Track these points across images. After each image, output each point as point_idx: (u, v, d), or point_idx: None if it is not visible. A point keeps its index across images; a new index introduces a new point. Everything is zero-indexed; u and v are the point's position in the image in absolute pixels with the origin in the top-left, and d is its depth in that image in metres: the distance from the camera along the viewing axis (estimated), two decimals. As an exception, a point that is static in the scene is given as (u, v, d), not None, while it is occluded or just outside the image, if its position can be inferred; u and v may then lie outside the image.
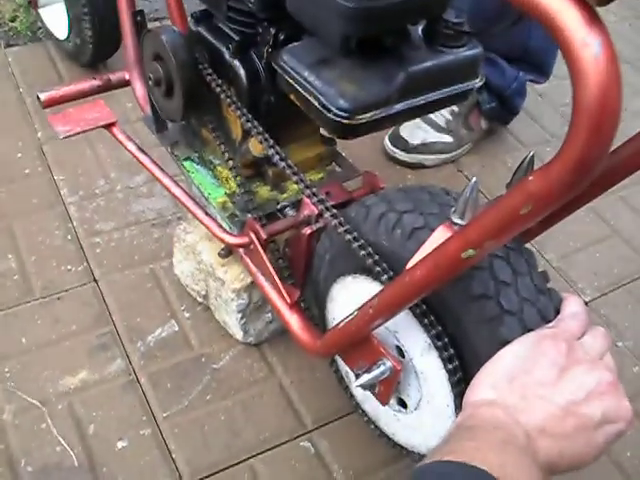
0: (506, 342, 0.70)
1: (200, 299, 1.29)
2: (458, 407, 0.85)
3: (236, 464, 1.11)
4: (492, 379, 0.66)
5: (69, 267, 1.36)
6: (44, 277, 1.34)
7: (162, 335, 1.27)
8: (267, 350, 1.26)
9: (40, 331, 1.25)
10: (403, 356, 0.92)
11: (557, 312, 0.77)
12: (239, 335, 1.23)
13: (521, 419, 0.61)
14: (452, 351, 0.83)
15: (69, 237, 1.42)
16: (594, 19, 0.46)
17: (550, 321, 0.76)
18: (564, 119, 1.93)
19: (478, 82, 0.96)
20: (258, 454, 1.12)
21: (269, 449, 1.13)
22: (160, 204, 1.49)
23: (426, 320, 0.84)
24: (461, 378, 0.84)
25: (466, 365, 0.84)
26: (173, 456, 1.11)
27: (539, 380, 0.64)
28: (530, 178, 0.56)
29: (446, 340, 0.83)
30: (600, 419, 0.63)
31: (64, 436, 1.11)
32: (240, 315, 1.19)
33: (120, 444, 1.11)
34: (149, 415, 1.15)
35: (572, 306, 0.76)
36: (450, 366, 0.84)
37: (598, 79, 0.47)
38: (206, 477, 1.09)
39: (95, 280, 1.34)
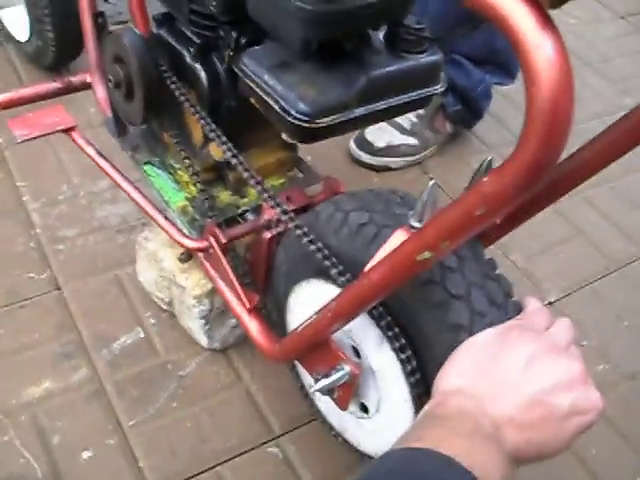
0: (456, 326, 0.70)
1: (165, 306, 1.28)
2: (416, 401, 0.85)
3: (203, 471, 1.10)
4: (460, 368, 0.66)
5: (32, 275, 1.34)
6: (6, 285, 1.31)
7: (127, 342, 1.25)
8: (234, 356, 1.25)
9: (2, 340, 1.23)
10: (359, 356, 0.92)
11: (508, 298, 0.78)
12: (204, 341, 1.22)
13: (488, 408, 0.61)
14: (404, 341, 0.83)
15: (32, 244, 1.39)
16: (547, 22, 0.46)
17: (501, 306, 0.76)
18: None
19: (439, 88, 0.96)
20: (225, 461, 1.11)
21: (236, 455, 1.12)
22: (124, 209, 1.47)
23: (375, 312, 0.84)
24: (415, 368, 0.84)
25: (419, 354, 0.83)
26: (140, 465, 1.09)
27: (507, 369, 0.64)
28: (484, 180, 0.56)
29: (397, 330, 0.83)
30: (569, 409, 0.63)
31: (28, 447, 1.09)
32: (203, 321, 1.18)
33: (85, 454, 1.09)
34: (115, 424, 1.14)
35: (533, 303, 0.76)
36: (403, 356, 0.83)
37: (550, 82, 0.47)
38: (173, 485, 1.08)
39: (58, 287, 1.33)
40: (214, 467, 1.11)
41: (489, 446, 0.58)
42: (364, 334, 0.88)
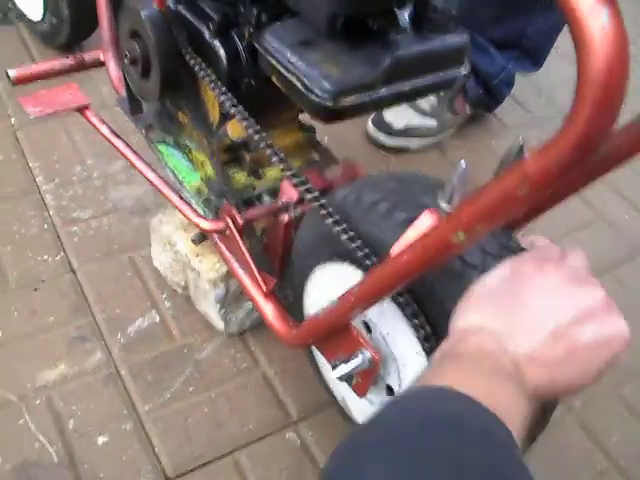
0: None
1: (180, 290, 1.26)
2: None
3: (220, 457, 1.09)
4: (477, 304, 0.63)
5: (45, 257, 1.32)
6: (20, 268, 1.30)
7: (143, 326, 1.23)
8: (250, 340, 1.24)
9: (16, 324, 1.21)
10: (370, 331, 0.90)
11: None
12: (220, 325, 1.20)
13: (509, 347, 0.58)
14: (416, 307, 0.82)
15: (45, 226, 1.38)
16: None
17: None
18: (548, 101, 1.92)
19: (464, 70, 0.94)
20: (242, 447, 1.10)
21: (254, 441, 1.11)
22: (139, 191, 1.45)
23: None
24: (429, 334, 0.82)
25: (433, 322, 0.82)
26: (156, 450, 1.08)
27: (527, 303, 0.61)
28: (528, 158, 0.53)
29: (408, 297, 0.82)
30: (594, 340, 0.59)
31: (43, 432, 1.07)
32: (219, 306, 1.16)
33: (101, 439, 1.08)
34: (130, 409, 1.12)
35: (542, 239, 0.73)
36: (416, 321, 0.82)
37: (605, 50, 0.44)
38: (190, 471, 1.07)
39: (73, 270, 1.31)
40: (231, 453, 1.09)
41: (510, 386, 0.56)
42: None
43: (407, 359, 0.87)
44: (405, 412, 0.52)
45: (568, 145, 0.49)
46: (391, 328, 0.86)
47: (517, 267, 0.64)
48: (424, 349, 0.83)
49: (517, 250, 0.78)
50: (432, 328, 0.81)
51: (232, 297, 1.17)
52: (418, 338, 0.82)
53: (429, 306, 0.81)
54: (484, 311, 0.62)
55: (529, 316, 0.60)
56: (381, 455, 0.46)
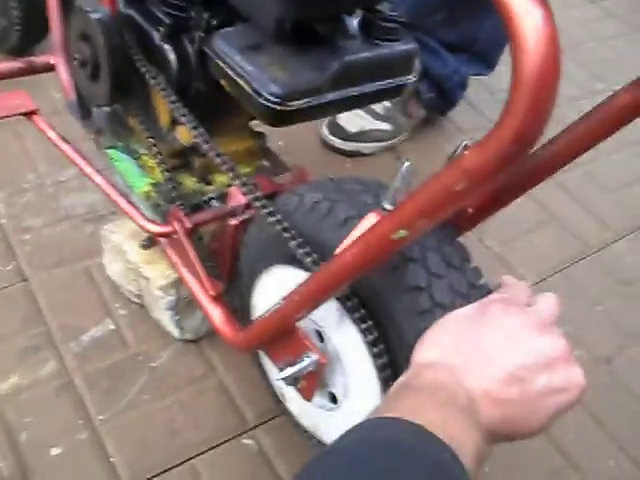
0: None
1: (135, 299, 1.25)
2: (384, 384, 0.83)
3: (177, 465, 1.07)
4: (438, 340, 0.64)
5: (-3, 266, 1.30)
6: (-30, 277, 1.27)
7: (97, 334, 1.22)
8: (206, 346, 1.23)
9: (-34, 334, 1.19)
10: (322, 339, 0.90)
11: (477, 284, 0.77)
12: (175, 332, 1.19)
13: (464, 380, 0.59)
14: (370, 322, 0.81)
15: (-4, 235, 1.35)
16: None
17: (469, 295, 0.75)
18: (501, 105, 1.94)
19: (412, 78, 0.95)
20: (199, 454, 1.09)
21: (211, 448, 1.10)
22: (92, 198, 1.43)
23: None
24: (382, 350, 0.82)
25: (386, 336, 0.82)
26: (111, 460, 1.06)
27: (487, 343, 0.62)
28: (465, 153, 0.54)
29: (362, 311, 0.82)
30: (548, 387, 0.61)
31: (-7, 445, 1.06)
32: (171, 312, 1.16)
33: (54, 451, 1.06)
34: (85, 418, 1.10)
35: (512, 280, 0.74)
36: (369, 337, 0.82)
37: (539, 49, 0.46)
38: (146, 480, 1.06)
39: (25, 279, 1.29)
40: (188, 460, 1.08)
41: (463, 418, 0.56)
42: (327, 315, 0.85)
43: (358, 377, 0.87)
44: (358, 443, 0.52)
45: (504, 141, 0.50)
46: (347, 346, 0.86)
47: (482, 307, 0.66)
48: (378, 376, 0.83)
49: (485, 290, 0.78)
50: (390, 359, 0.82)
51: (185, 303, 1.16)
52: (375, 365, 0.83)
53: (391, 337, 0.81)
54: (444, 346, 0.63)
55: (487, 354, 0.61)
56: None
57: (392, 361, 0.82)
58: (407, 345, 0.67)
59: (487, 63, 1.71)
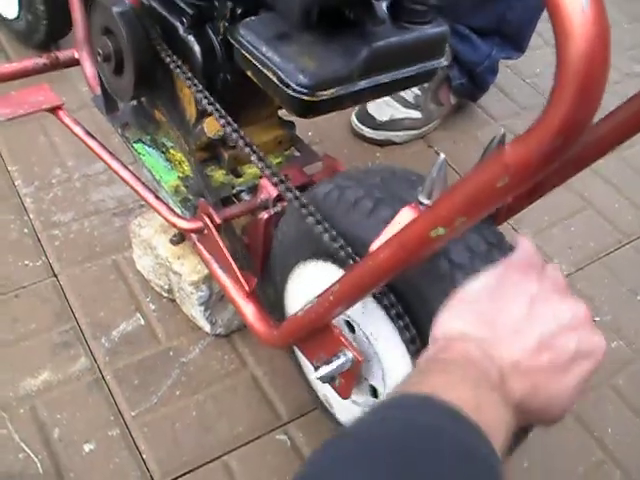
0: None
1: (165, 293, 1.24)
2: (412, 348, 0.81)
3: (210, 462, 1.06)
4: (461, 311, 0.62)
5: (27, 262, 1.30)
6: (0, 273, 1.27)
7: (127, 329, 1.21)
8: (238, 341, 1.21)
9: (-3, 331, 1.19)
10: (353, 330, 0.88)
11: None
12: (207, 327, 1.18)
13: (494, 354, 0.57)
14: (400, 308, 0.80)
15: (25, 230, 1.35)
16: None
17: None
18: (534, 91, 1.90)
19: (444, 61, 0.92)
20: (232, 450, 1.08)
21: (243, 444, 1.09)
22: (121, 192, 1.43)
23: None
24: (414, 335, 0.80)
25: (417, 320, 0.80)
26: (143, 457, 1.06)
27: (511, 311, 0.60)
28: (507, 148, 0.51)
29: (392, 297, 0.80)
30: (576, 351, 0.59)
31: (27, 442, 1.05)
32: (203, 307, 1.14)
33: (87, 447, 1.06)
34: (117, 415, 1.10)
35: (526, 242, 0.71)
36: (401, 323, 0.80)
37: (586, 34, 0.42)
38: (179, 477, 1.05)
39: (55, 275, 1.28)
40: (220, 457, 1.07)
41: (495, 397, 0.54)
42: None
43: (392, 360, 0.85)
44: (385, 421, 0.50)
45: (549, 133, 0.47)
46: (375, 329, 0.84)
47: (501, 274, 0.64)
48: (409, 351, 0.81)
49: (505, 248, 0.76)
50: (417, 330, 0.80)
51: (217, 298, 1.15)
52: (403, 340, 0.80)
53: (415, 307, 0.79)
54: (468, 318, 0.61)
55: (513, 324, 0.59)
56: (357, 465, 0.45)
57: (420, 333, 0.80)
58: (431, 313, 0.65)
59: (517, 45, 1.67)
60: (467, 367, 0.56)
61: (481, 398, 0.53)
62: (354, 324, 0.87)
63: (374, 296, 0.80)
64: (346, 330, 0.89)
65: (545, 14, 1.33)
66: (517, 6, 1.55)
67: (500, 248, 0.76)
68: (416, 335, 0.80)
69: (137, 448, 1.07)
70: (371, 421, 0.51)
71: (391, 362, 0.85)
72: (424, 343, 0.78)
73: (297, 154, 1.17)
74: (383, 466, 0.44)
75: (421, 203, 0.70)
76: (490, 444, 0.49)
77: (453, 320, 0.62)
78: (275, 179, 0.90)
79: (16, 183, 1.43)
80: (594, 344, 0.60)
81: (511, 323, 0.59)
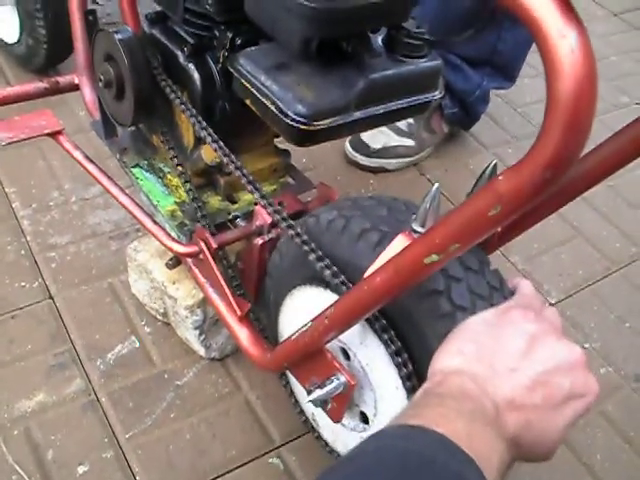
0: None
1: (160, 317, 1.25)
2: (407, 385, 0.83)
3: (203, 484, 1.07)
4: (460, 346, 0.64)
5: (23, 283, 1.31)
6: (-4, 295, 1.28)
7: (122, 352, 1.22)
8: (232, 365, 1.22)
9: (-7, 352, 1.19)
10: (348, 357, 0.89)
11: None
12: (201, 351, 1.19)
13: (490, 389, 0.59)
14: (393, 333, 0.81)
15: (22, 252, 1.36)
16: (570, 11, 0.45)
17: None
18: (524, 120, 1.94)
19: (438, 94, 0.95)
20: (226, 473, 1.09)
21: (237, 467, 1.10)
22: (117, 215, 1.44)
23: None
24: (407, 364, 0.82)
25: (411, 351, 0.82)
26: (137, 479, 1.06)
27: (509, 349, 0.62)
28: (499, 178, 0.54)
29: (385, 323, 0.81)
30: (569, 391, 0.61)
31: (20, 463, 1.05)
32: (198, 331, 1.16)
33: (81, 469, 1.06)
34: (111, 437, 1.11)
35: (527, 285, 0.75)
36: (393, 347, 0.81)
37: (575, 72, 0.45)
38: (172, 499, 1.05)
39: (51, 296, 1.29)
40: (214, 479, 1.08)
41: (490, 431, 0.56)
42: (350, 331, 0.84)
43: (385, 391, 0.86)
44: (380, 450, 0.51)
45: (540, 165, 0.49)
46: (372, 361, 0.86)
47: (501, 313, 0.66)
48: (405, 387, 0.82)
49: (506, 292, 0.78)
50: (414, 367, 0.81)
51: (211, 322, 1.16)
52: (400, 376, 0.82)
53: (414, 345, 0.81)
54: (466, 353, 0.63)
55: (510, 361, 0.61)
56: None
57: (417, 370, 0.81)
58: (430, 351, 0.66)
59: (508, 76, 1.71)
60: (463, 401, 0.57)
61: (475, 431, 0.54)
62: (350, 353, 0.88)
63: (375, 331, 0.82)
64: (341, 357, 0.90)
65: (535, 46, 1.36)
66: (508, 37, 1.59)
67: (501, 291, 0.78)
68: (413, 372, 0.81)
69: (131, 470, 1.07)
70: (366, 450, 0.52)
71: (384, 393, 0.86)
72: (420, 380, 0.80)
73: (292, 181, 1.19)
74: None
75: (414, 231, 0.72)
76: (482, 474, 0.50)
77: (451, 355, 0.63)
78: (269, 208, 0.92)
79: (14, 205, 1.45)
80: (587, 386, 0.62)
81: (508, 360, 0.61)
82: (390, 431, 0.54)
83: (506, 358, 0.61)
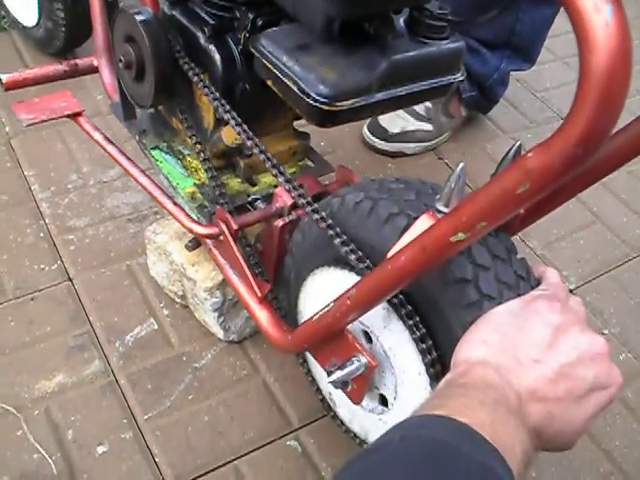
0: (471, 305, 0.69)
1: (178, 299, 1.25)
2: (433, 381, 0.82)
3: (221, 466, 1.07)
4: (484, 337, 0.64)
5: (42, 266, 1.31)
6: (16, 277, 1.29)
7: (141, 334, 1.22)
8: (250, 347, 1.23)
9: (13, 333, 1.20)
10: (371, 340, 0.89)
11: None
12: (220, 334, 1.20)
13: (513, 380, 0.59)
14: (418, 319, 0.81)
15: (41, 234, 1.37)
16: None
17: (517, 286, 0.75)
18: (544, 105, 1.92)
19: (459, 76, 0.94)
20: (243, 455, 1.09)
21: (255, 449, 1.10)
22: (135, 198, 1.45)
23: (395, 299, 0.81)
24: (431, 347, 0.81)
25: (434, 334, 0.81)
26: (156, 460, 1.07)
27: (533, 340, 0.62)
28: (529, 154, 0.53)
29: (410, 308, 0.81)
30: (592, 383, 0.61)
31: (41, 443, 1.06)
32: (217, 314, 1.16)
33: (100, 449, 1.07)
34: (130, 418, 1.11)
35: (554, 275, 0.75)
36: (417, 333, 0.81)
37: (609, 46, 0.44)
38: (191, 480, 1.06)
39: (70, 279, 1.30)
40: (232, 461, 1.08)
41: (512, 420, 0.56)
42: (373, 314, 0.84)
43: (407, 376, 0.86)
44: (405, 440, 0.52)
45: (570, 141, 0.48)
46: (395, 345, 0.85)
47: (527, 303, 0.66)
48: (428, 373, 0.82)
49: (532, 281, 0.77)
50: (439, 354, 0.81)
51: (230, 305, 1.16)
52: (424, 363, 0.81)
53: (439, 332, 0.80)
54: (490, 344, 0.63)
55: (534, 352, 0.61)
56: None
57: (441, 357, 0.81)
58: (455, 339, 0.66)
59: (527, 57, 1.69)
60: (486, 391, 0.57)
61: (498, 421, 0.54)
62: (373, 336, 0.88)
63: (400, 316, 0.81)
64: (363, 339, 0.90)
65: (554, 27, 1.35)
66: (526, 19, 1.57)
67: (528, 280, 0.77)
68: (437, 359, 0.81)
69: (150, 451, 1.08)
70: (392, 440, 0.52)
71: (406, 378, 0.86)
72: (443, 367, 0.80)
73: (311, 164, 1.18)
74: None
75: (439, 211, 0.72)
76: (506, 464, 0.50)
77: (475, 345, 0.64)
78: (291, 189, 0.91)
79: (33, 188, 1.45)
80: (611, 378, 0.63)
81: (532, 351, 0.61)
82: (414, 421, 0.55)
83: (530, 349, 0.61)
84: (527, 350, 0.61)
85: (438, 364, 0.81)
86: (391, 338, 0.85)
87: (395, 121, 1.64)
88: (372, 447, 0.53)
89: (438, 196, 0.72)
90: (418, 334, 0.81)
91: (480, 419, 0.52)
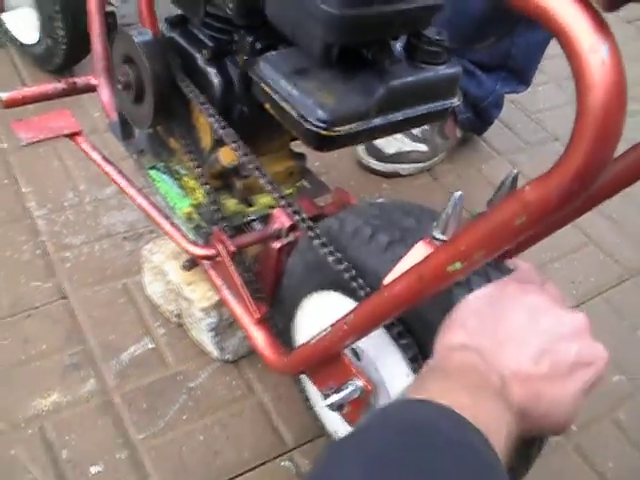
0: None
1: (174, 319, 1.26)
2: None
3: (215, 486, 1.08)
4: (462, 322, 0.64)
5: (38, 283, 1.31)
6: (12, 294, 1.29)
7: (136, 353, 1.23)
8: (245, 367, 1.23)
9: (8, 351, 1.20)
10: (358, 357, 0.89)
11: None
12: (215, 353, 1.20)
13: (495, 362, 0.59)
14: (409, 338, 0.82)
15: (38, 252, 1.37)
16: (601, 24, 0.45)
17: None
18: (538, 126, 1.94)
19: (456, 101, 0.95)
20: (238, 475, 1.09)
21: (249, 469, 1.10)
22: (131, 216, 1.45)
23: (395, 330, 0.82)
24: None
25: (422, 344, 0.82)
26: (150, 480, 1.07)
27: (511, 321, 0.62)
28: (526, 188, 0.54)
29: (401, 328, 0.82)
30: (576, 358, 0.60)
31: (35, 462, 1.06)
32: (212, 334, 1.16)
33: (94, 469, 1.07)
34: (125, 437, 1.11)
35: (526, 264, 0.75)
36: (403, 341, 0.82)
37: (605, 84, 0.45)
38: (185, 500, 1.06)
39: (65, 296, 1.30)
40: (226, 481, 1.08)
41: (495, 402, 0.56)
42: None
43: (397, 381, 0.86)
44: (384, 422, 0.52)
45: (567, 176, 0.49)
46: (379, 351, 0.86)
47: (501, 287, 0.66)
48: (413, 370, 0.82)
49: (504, 269, 0.78)
50: (420, 348, 0.81)
51: (226, 325, 1.16)
52: (406, 359, 0.82)
53: (416, 325, 0.81)
54: (469, 329, 0.63)
55: (514, 333, 0.61)
56: (356, 462, 0.47)
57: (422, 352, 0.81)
58: (431, 328, 0.67)
59: (522, 80, 1.71)
60: (467, 374, 0.58)
61: (481, 403, 0.55)
62: (359, 351, 0.89)
63: (393, 337, 0.82)
64: (353, 358, 0.90)
65: (548, 49, 1.37)
66: (521, 42, 1.59)
67: (495, 267, 0.77)
68: (418, 353, 0.82)
69: (144, 471, 1.07)
70: (371, 424, 0.53)
71: (396, 383, 0.87)
72: (426, 359, 0.81)
73: (307, 185, 1.19)
74: (378, 462, 0.46)
75: (436, 238, 0.72)
76: (488, 442, 0.50)
77: (454, 331, 0.64)
78: (289, 209, 0.92)
79: (29, 205, 1.45)
80: (595, 353, 0.62)
81: (511, 332, 0.61)
82: (395, 405, 0.55)
83: (509, 330, 0.61)
84: (506, 331, 0.61)
85: (420, 359, 0.82)
86: (373, 344, 0.86)
87: (391, 142, 1.66)
88: (354, 432, 0.53)
89: (435, 223, 0.73)
90: (396, 331, 0.82)
91: (461, 402, 0.52)
